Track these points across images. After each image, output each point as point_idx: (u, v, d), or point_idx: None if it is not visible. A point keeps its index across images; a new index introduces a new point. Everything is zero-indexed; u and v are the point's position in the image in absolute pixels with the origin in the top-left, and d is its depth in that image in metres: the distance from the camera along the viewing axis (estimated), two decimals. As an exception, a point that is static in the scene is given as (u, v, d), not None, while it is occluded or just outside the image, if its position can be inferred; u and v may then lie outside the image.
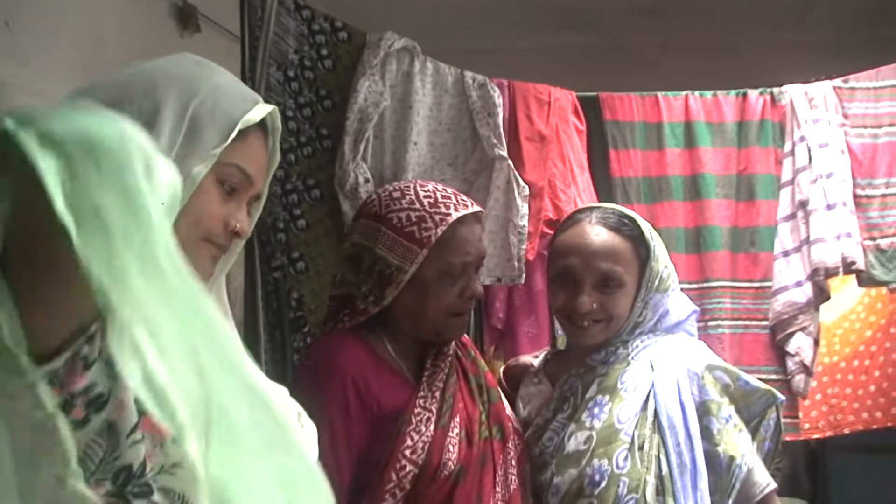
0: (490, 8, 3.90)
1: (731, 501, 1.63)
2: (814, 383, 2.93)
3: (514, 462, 1.63)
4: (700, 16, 3.92)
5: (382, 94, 2.59)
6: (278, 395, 1.08)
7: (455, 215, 1.54)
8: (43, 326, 0.77)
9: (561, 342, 1.96)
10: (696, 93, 2.99)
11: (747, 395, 1.67)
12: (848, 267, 2.78)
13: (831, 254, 2.76)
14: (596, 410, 1.66)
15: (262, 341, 2.43)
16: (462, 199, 1.59)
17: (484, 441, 1.58)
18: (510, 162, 2.68)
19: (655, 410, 1.64)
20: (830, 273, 2.77)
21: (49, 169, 0.63)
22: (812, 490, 3.87)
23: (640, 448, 1.61)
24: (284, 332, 2.50)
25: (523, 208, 2.68)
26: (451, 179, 2.68)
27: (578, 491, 1.60)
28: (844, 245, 2.77)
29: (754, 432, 1.66)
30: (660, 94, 2.98)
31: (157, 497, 0.83)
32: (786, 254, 2.87)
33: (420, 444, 1.48)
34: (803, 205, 2.84)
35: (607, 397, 1.67)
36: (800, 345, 2.83)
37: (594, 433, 1.63)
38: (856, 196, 2.86)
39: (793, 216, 2.88)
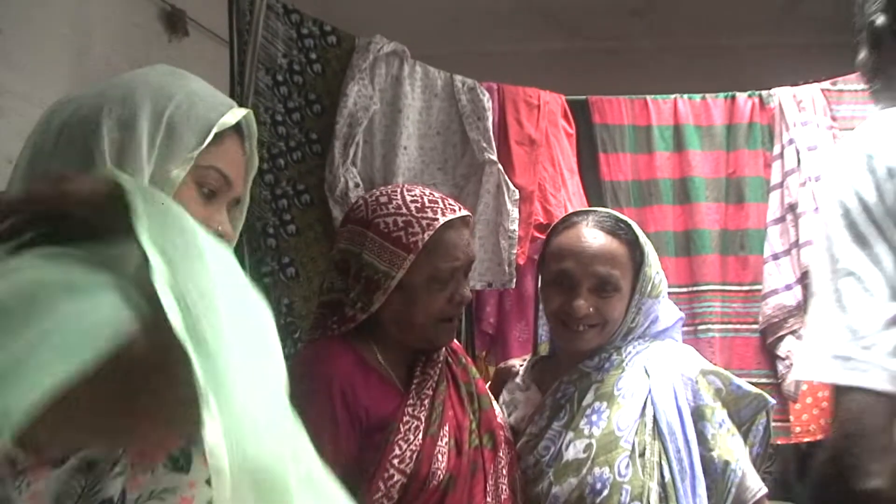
0: (479, 12, 3.90)
1: None
2: (804, 386, 2.93)
3: (504, 471, 1.61)
4: (688, 19, 3.93)
5: (372, 99, 2.59)
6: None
7: (442, 220, 1.52)
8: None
9: (544, 349, 1.94)
10: (685, 96, 3.00)
11: (738, 399, 1.66)
12: (837, 270, 2.78)
13: (821, 256, 2.76)
14: (594, 418, 1.64)
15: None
16: (450, 204, 1.58)
17: (474, 450, 1.56)
18: (500, 166, 2.68)
19: (654, 416, 1.62)
20: (820, 275, 2.78)
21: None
22: (803, 494, 3.87)
23: (641, 455, 1.59)
24: (274, 338, 2.48)
25: (513, 212, 2.68)
26: (441, 184, 2.68)
27: (579, 500, 1.57)
28: (834, 248, 2.77)
29: (745, 437, 1.66)
30: (649, 98, 2.99)
31: None
32: (775, 257, 2.88)
33: (408, 453, 1.46)
34: (793, 208, 2.84)
35: (605, 404, 1.65)
36: (790, 348, 2.83)
37: (594, 441, 1.61)
38: (845, 199, 2.86)
39: (782, 219, 2.89)
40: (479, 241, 2.64)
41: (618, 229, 1.71)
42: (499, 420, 1.67)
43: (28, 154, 0.99)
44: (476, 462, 1.55)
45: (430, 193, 1.58)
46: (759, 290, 2.91)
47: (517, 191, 2.70)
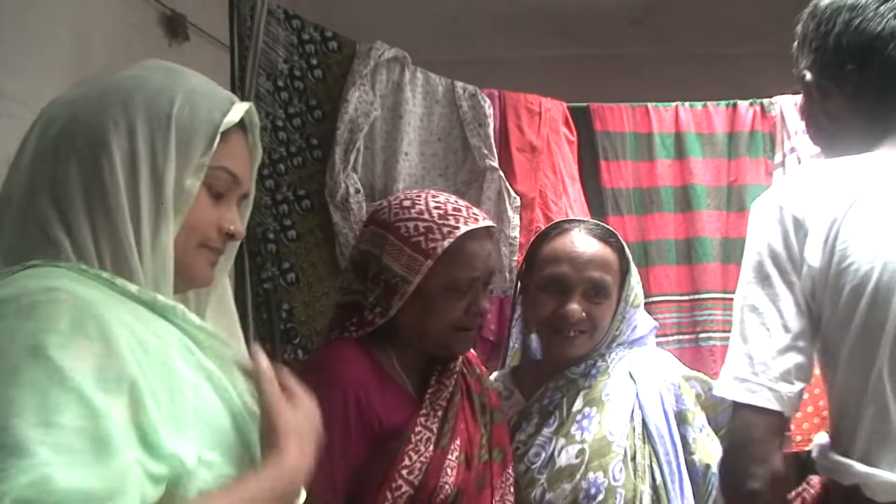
0: (481, 19, 3.90)
1: None
2: (805, 395, 2.92)
3: (511, 489, 1.60)
4: (689, 27, 3.93)
5: (373, 105, 2.58)
6: None
7: (464, 228, 1.50)
8: None
9: (516, 358, 1.94)
10: (687, 103, 2.98)
11: (716, 405, 1.71)
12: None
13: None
14: (585, 423, 1.66)
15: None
16: (473, 213, 1.56)
17: (483, 464, 1.55)
18: (501, 173, 2.68)
19: (643, 420, 1.66)
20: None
21: None
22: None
23: (633, 459, 1.63)
24: (275, 344, 2.48)
25: (515, 219, 2.67)
26: (441, 190, 2.67)
27: None
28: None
29: (721, 441, 1.68)
30: (650, 105, 2.98)
31: None
32: (777, 265, 2.87)
33: (418, 465, 1.45)
34: (794, 216, 2.83)
35: (594, 409, 1.68)
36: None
37: (586, 446, 1.63)
38: (846, 207, 2.86)
39: (784, 227, 2.87)
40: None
41: (608, 237, 1.77)
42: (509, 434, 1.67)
43: (28, 160, 0.98)
44: (484, 477, 1.54)
45: (455, 201, 1.57)
46: (760, 299, 2.89)
47: (518, 198, 2.69)
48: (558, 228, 1.80)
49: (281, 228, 2.53)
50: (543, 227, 2.71)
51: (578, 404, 1.69)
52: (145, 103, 0.99)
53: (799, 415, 3.06)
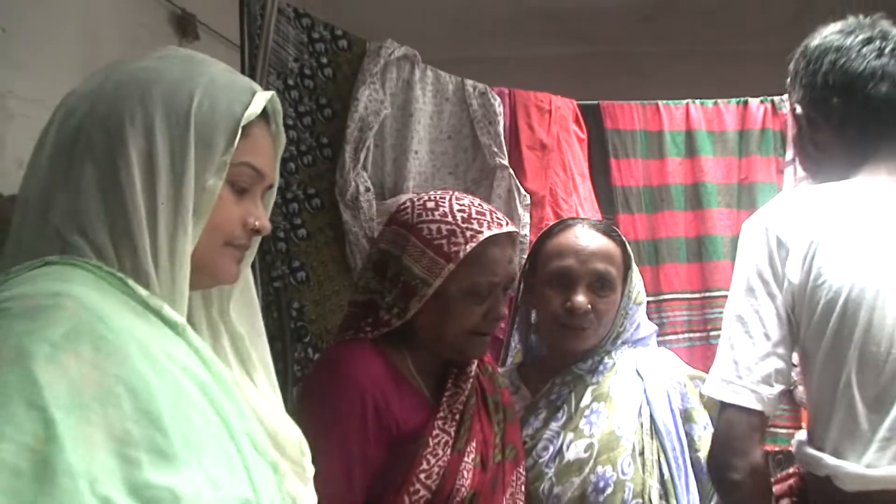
0: (490, 17, 3.90)
1: None
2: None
3: (522, 487, 1.60)
4: (700, 24, 3.92)
5: (383, 103, 2.58)
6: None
7: (487, 233, 1.48)
8: None
9: (517, 357, 1.95)
10: (697, 101, 2.97)
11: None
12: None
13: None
14: (593, 418, 1.68)
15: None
16: (497, 218, 1.54)
17: (497, 465, 1.54)
18: (511, 171, 2.67)
19: (651, 416, 1.68)
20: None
21: None
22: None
23: (641, 454, 1.65)
24: (285, 343, 2.48)
25: (525, 217, 2.67)
26: (451, 188, 2.67)
27: (581, 499, 1.61)
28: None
29: None
30: (660, 103, 2.97)
31: None
32: (788, 263, 2.86)
33: (436, 469, 1.44)
34: (805, 213, 2.83)
35: (602, 405, 1.70)
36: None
37: (595, 441, 1.65)
38: (858, 205, 2.85)
39: (794, 225, 2.87)
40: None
41: (611, 231, 1.80)
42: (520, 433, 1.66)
43: (45, 156, 0.96)
44: (497, 476, 1.53)
45: (480, 205, 1.55)
46: (771, 297, 2.88)
47: (528, 196, 2.69)
48: (561, 225, 1.83)
49: (291, 227, 2.53)
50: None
51: (586, 399, 1.71)
52: (164, 98, 0.96)
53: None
